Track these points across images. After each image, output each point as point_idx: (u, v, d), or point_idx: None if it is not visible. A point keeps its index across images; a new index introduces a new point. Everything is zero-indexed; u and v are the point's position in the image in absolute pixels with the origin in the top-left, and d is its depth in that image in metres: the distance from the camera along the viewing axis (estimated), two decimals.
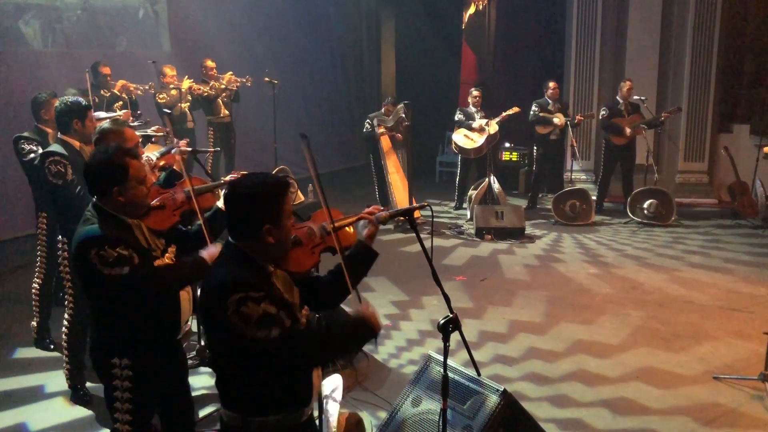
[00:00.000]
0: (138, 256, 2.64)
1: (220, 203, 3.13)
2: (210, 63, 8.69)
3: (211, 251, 2.81)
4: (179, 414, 3.07)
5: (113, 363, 2.75)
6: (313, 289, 2.53)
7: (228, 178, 3.37)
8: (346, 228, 2.72)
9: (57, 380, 4.57)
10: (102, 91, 7.36)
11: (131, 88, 7.60)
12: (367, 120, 9.01)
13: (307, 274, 2.56)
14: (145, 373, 2.78)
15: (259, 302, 2.08)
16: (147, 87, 7.85)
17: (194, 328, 4.83)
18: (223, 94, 8.67)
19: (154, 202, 2.99)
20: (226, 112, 8.78)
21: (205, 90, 8.45)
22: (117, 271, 2.55)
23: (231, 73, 8.60)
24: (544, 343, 5.25)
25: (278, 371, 2.21)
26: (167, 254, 2.88)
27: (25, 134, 4.90)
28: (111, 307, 2.74)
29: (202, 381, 4.53)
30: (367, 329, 2.29)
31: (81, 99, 4.36)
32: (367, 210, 2.65)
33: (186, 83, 8.22)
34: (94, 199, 2.73)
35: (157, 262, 2.77)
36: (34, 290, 5.07)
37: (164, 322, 2.85)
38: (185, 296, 2.94)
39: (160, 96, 8.09)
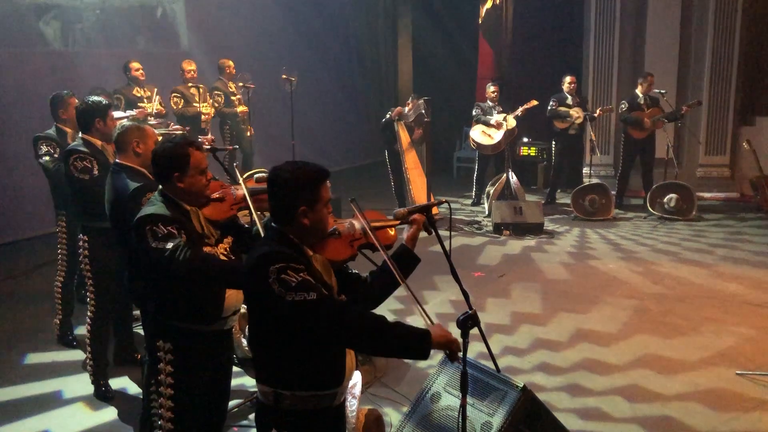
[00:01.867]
0: (190, 238, 2.77)
1: None
2: (229, 62, 8.80)
3: None
4: (217, 404, 3.12)
5: (158, 345, 2.89)
6: (354, 284, 2.61)
7: None
8: (388, 229, 2.75)
9: (77, 383, 4.59)
10: (135, 90, 7.43)
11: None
12: (388, 113, 9.00)
13: (342, 264, 2.60)
14: (187, 359, 2.88)
15: (298, 272, 2.19)
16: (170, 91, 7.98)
17: None
18: (237, 97, 8.74)
19: (215, 195, 3.06)
20: (244, 108, 8.82)
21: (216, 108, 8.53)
22: (161, 245, 2.69)
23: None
24: (557, 336, 5.24)
25: (314, 341, 2.25)
26: (221, 244, 2.97)
27: (44, 134, 4.96)
28: (159, 283, 2.86)
29: None
30: (423, 343, 2.23)
31: (102, 99, 4.41)
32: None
33: (206, 108, 8.22)
34: (160, 187, 2.91)
35: (207, 249, 2.86)
36: (56, 288, 5.13)
37: (206, 308, 2.91)
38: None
39: (175, 98, 8.10)
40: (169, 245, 2.69)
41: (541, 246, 7.72)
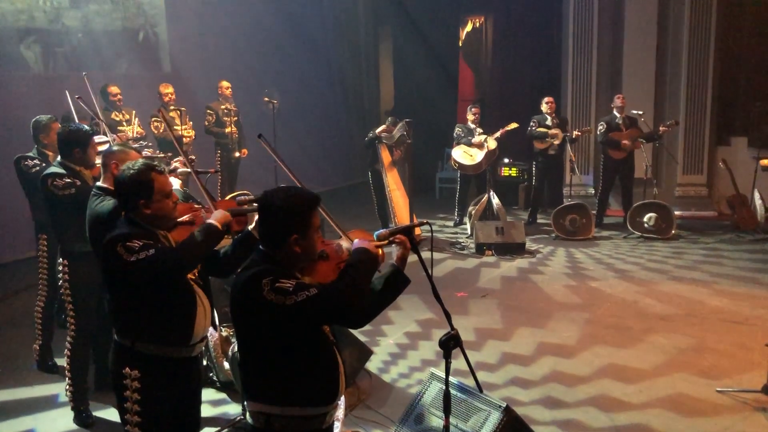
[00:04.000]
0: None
1: (251, 226, 3.16)
2: (225, 83, 8.93)
3: (218, 215, 2.87)
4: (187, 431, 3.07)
5: (124, 373, 2.83)
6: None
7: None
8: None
9: (56, 413, 4.51)
10: (113, 114, 7.40)
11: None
12: (370, 132, 9.06)
13: None
14: (154, 386, 2.83)
15: (290, 278, 2.24)
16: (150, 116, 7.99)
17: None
18: (227, 118, 8.79)
19: (184, 217, 3.05)
20: (230, 129, 8.86)
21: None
22: (143, 254, 2.66)
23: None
24: (527, 354, 5.26)
25: (315, 342, 2.30)
26: None
27: (27, 154, 4.94)
28: (131, 305, 2.82)
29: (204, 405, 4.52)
30: (368, 253, 2.39)
31: (84, 126, 4.39)
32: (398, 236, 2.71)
33: (187, 131, 8.24)
34: (124, 213, 2.87)
35: None
36: (36, 313, 5.07)
37: (175, 331, 2.88)
38: (201, 311, 2.95)
39: (155, 122, 8.09)
40: (151, 251, 2.66)
41: (523, 266, 7.77)
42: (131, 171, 2.84)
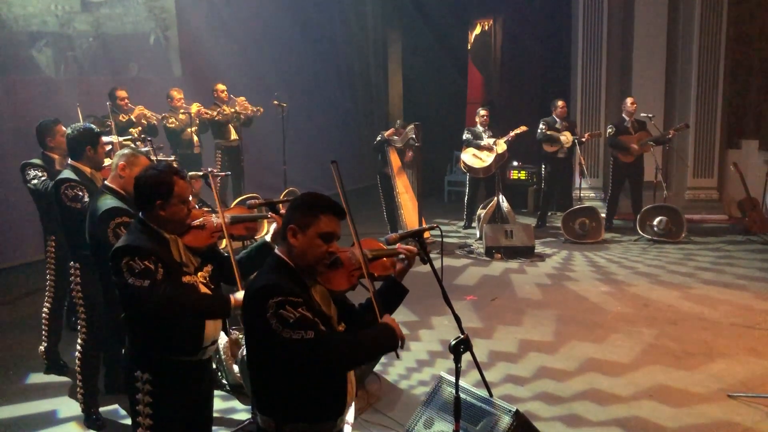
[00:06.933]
0: (167, 271, 2.74)
1: (268, 237, 3.16)
2: (221, 86, 8.83)
3: (237, 297, 2.87)
4: None
5: (136, 376, 2.84)
6: (349, 315, 2.60)
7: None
8: (384, 259, 2.73)
9: (70, 405, 4.57)
10: (121, 117, 7.46)
11: (148, 116, 7.70)
12: (379, 135, 9.06)
13: (343, 294, 2.61)
14: (166, 389, 2.84)
15: (296, 307, 2.21)
16: (161, 116, 8.01)
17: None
18: (233, 120, 8.77)
19: (195, 222, 3.04)
20: (236, 136, 8.84)
21: (212, 114, 8.52)
22: (139, 283, 2.67)
23: (244, 98, 8.66)
24: (556, 362, 5.23)
25: (312, 375, 2.29)
26: (201, 272, 2.94)
27: (32, 161, 4.95)
28: (135, 317, 2.83)
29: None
30: (391, 336, 2.37)
31: (93, 126, 4.42)
32: (405, 247, 2.72)
33: (194, 107, 8.31)
34: (140, 214, 2.88)
35: (187, 278, 2.84)
36: (44, 315, 5.07)
37: (186, 339, 2.88)
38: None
39: (170, 121, 8.17)
40: (146, 282, 2.66)
41: (531, 269, 7.75)
42: (154, 171, 2.86)
